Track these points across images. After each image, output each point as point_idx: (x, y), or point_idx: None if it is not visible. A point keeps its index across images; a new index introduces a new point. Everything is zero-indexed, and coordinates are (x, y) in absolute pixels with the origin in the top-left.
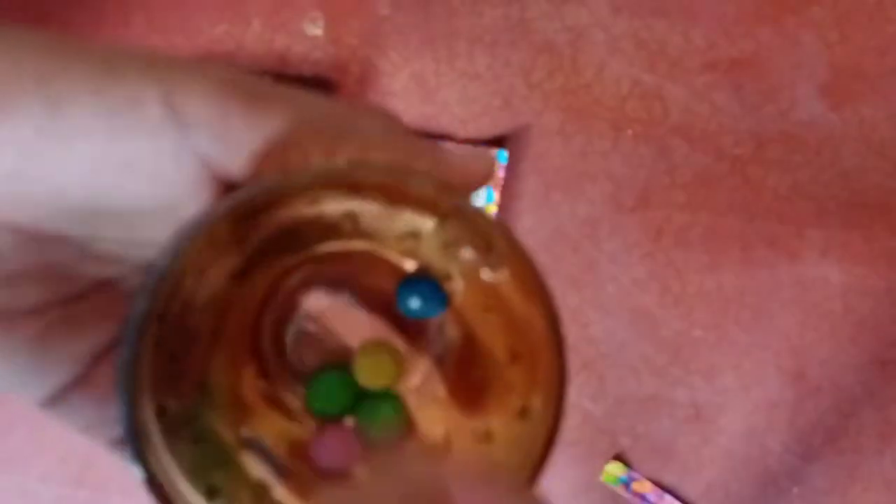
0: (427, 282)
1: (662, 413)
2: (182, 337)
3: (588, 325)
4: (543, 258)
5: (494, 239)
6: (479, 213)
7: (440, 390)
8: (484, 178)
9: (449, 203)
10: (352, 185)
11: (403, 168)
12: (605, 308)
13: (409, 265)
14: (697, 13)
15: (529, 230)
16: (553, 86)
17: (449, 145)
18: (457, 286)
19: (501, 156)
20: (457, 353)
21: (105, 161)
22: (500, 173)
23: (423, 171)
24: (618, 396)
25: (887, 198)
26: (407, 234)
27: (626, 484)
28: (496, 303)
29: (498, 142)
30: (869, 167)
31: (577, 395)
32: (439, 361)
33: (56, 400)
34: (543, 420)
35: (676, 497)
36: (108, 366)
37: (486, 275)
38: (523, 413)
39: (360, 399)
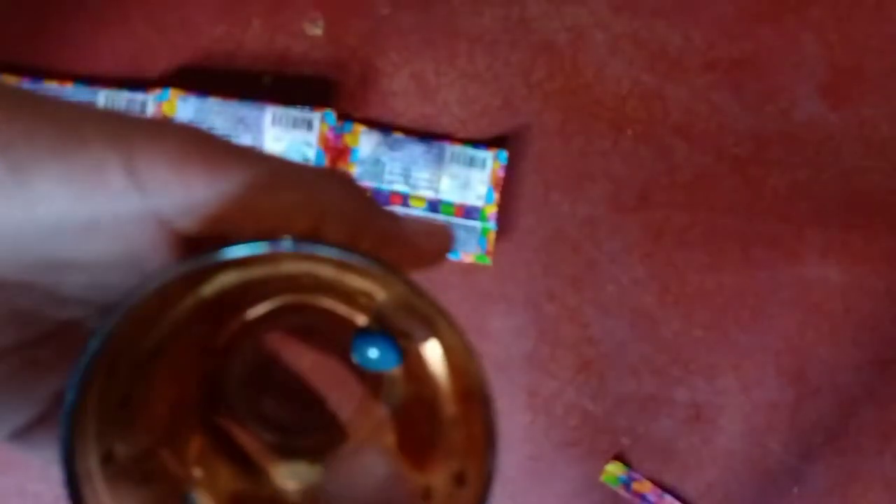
0: (382, 336)
1: (662, 413)
2: (135, 383)
3: (588, 325)
4: (543, 258)
5: (434, 322)
6: (421, 297)
7: (391, 440)
8: (439, 256)
9: (394, 283)
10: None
11: (350, 249)
12: (605, 308)
13: (366, 319)
14: (697, 13)
15: (529, 230)
16: (553, 86)
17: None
18: (412, 343)
19: (501, 156)
20: (409, 407)
21: (67, 223)
22: (500, 173)
23: (368, 253)
24: (618, 396)
25: (887, 198)
26: (362, 292)
27: (626, 484)
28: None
29: (498, 142)
30: (869, 167)
31: (577, 395)
32: (393, 412)
33: (18, 437)
34: (473, 491)
35: (676, 497)
36: None
37: (429, 350)
38: (460, 478)
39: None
